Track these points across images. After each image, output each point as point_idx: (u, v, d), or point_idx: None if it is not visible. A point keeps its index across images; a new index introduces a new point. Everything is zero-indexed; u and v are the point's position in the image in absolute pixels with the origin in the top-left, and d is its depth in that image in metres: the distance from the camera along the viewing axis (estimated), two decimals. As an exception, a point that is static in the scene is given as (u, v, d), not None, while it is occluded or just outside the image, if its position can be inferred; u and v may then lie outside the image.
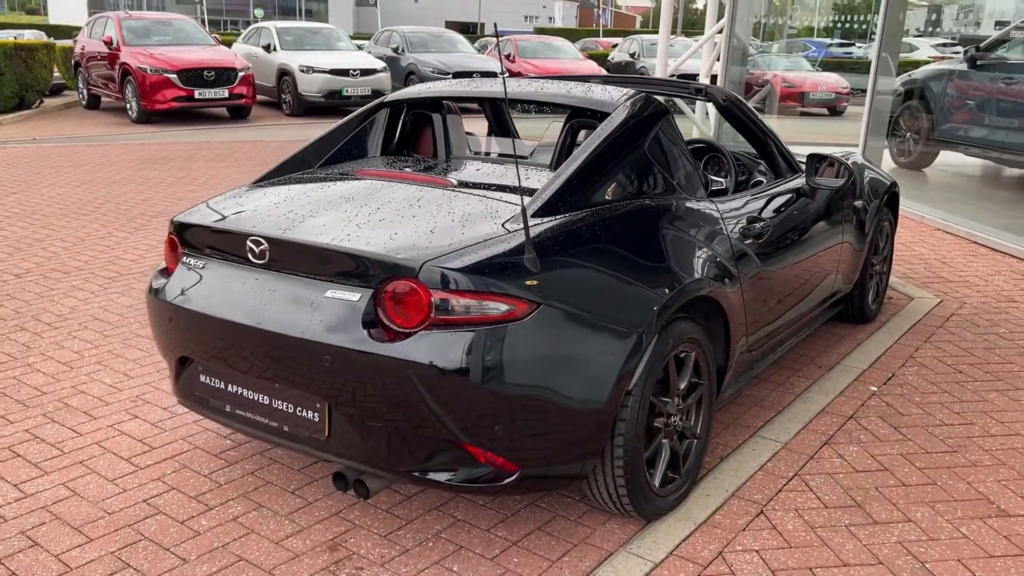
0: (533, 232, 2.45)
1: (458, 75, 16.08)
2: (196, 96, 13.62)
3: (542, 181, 2.90)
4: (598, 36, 33.43)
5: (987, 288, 5.46)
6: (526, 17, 69.18)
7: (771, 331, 3.42)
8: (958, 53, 24.40)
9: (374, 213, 2.60)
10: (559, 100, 3.18)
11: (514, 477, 2.41)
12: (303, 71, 14.95)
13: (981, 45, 8.94)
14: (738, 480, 3.03)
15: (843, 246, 4.05)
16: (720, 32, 11.11)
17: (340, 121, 3.54)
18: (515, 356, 2.30)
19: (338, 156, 3.43)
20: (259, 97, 15.17)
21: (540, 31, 40.42)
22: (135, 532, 2.73)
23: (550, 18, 67.92)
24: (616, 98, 3.06)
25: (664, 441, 2.77)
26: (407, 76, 16.64)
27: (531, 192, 2.75)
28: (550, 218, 2.58)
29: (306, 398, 2.48)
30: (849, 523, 2.78)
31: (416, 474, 2.43)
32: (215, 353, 2.64)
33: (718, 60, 11.40)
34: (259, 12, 48.15)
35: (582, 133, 3.17)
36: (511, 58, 17.91)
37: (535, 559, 2.60)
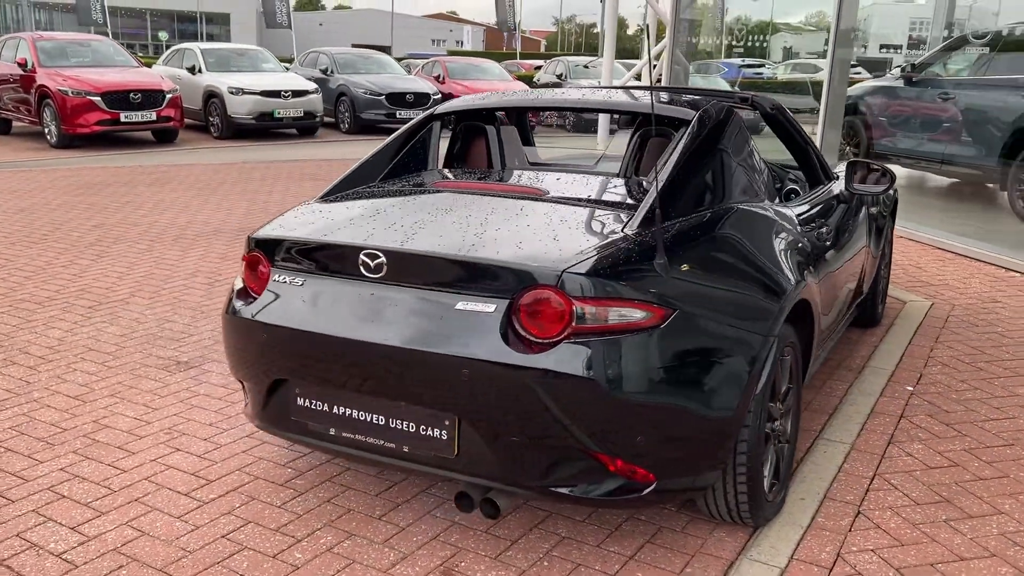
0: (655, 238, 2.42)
1: (391, 97, 15.96)
2: (122, 119, 13.06)
3: (622, 190, 2.88)
4: (513, 58, 33.78)
5: (968, 290, 5.71)
6: (434, 41, 69.33)
7: (828, 331, 3.48)
8: (859, 73, 25.64)
9: (485, 224, 2.51)
10: (632, 109, 3.17)
11: (650, 488, 2.36)
12: (232, 93, 14.54)
13: (916, 63, 9.42)
14: (823, 483, 3.05)
15: (866, 250, 4.17)
16: (657, 57, 11.39)
17: (393, 135, 3.43)
18: (656, 363, 2.26)
19: (397, 169, 3.32)
20: (185, 120, 14.67)
21: (453, 53, 40.58)
22: (227, 570, 2.55)
23: (458, 42, 68.27)
24: (691, 105, 3.07)
25: (770, 446, 2.76)
26: (338, 97, 16.41)
27: (620, 202, 2.73)
28: (665, 224, 2.55)
29: (433, 415, 2.37)
30: (947, 518, 2.83)
31: (553, 489, 2.35)
32: (321, 373, 2.50)
33: (658, 81, 11.68)
34: (164, 35, 46.70)
35: (652, 142, 3.17)
36: (441, 79, 17.88)
37: (658, 572, 2.54)
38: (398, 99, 16.02)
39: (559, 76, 19.13)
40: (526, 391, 2.23)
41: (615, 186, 2.93)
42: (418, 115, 3.50)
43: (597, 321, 2.24)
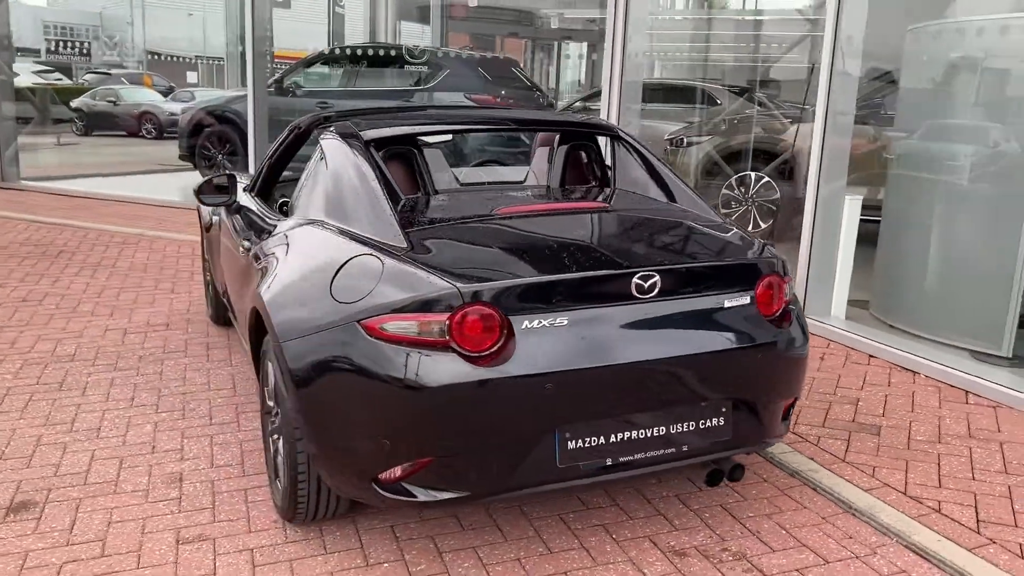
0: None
1: None
2: None
3: (655, 194, 3.39)
4: None
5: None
6: None
7: None
8: (61, 79, 24.87)
9: (662, 235, 2.84)
10: (564, 126, 3.55)
11: (791, 414, 3.06)
12: None
13: (279, 75, 10.27)
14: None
15: None
16: None
17: (352, 167, 2.98)
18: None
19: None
20: None
21: None
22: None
23: None
24: (608, 121, 3.62)
25: None
26: None
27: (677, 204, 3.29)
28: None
29: (712, 406, 2.62)
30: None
31: (780, 434, 2.87)
32: (601, 407, 2.48)
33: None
34: None
35: (574, 154, 3.58)
36: None
37: (764, 485, 3.26)
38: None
39: None
40: (784, 361, 2.73)
41: (647, 192, 3.36)
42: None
43: (786, 295, 2.86)
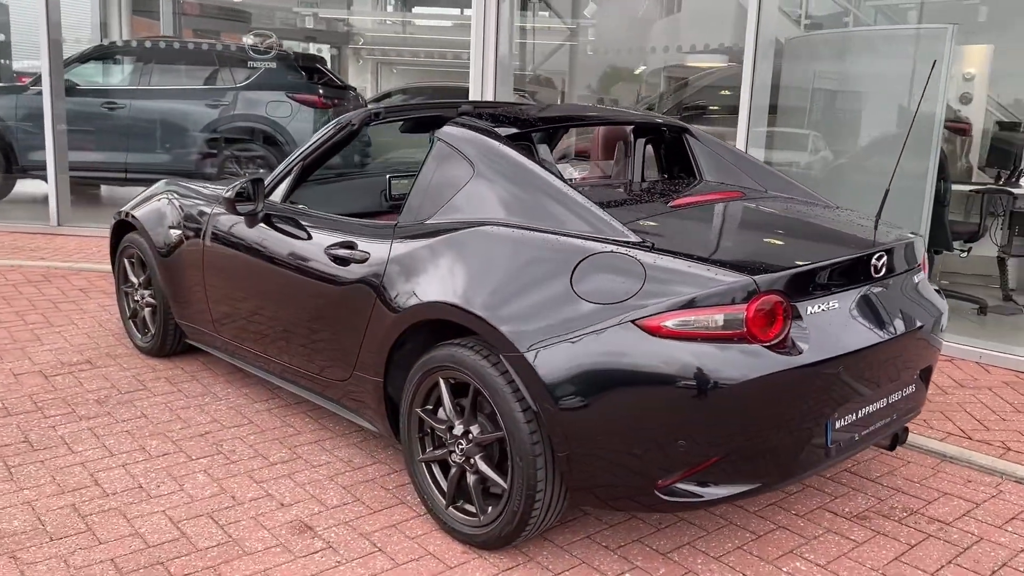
0: None
1: None
2: None
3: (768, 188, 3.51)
4: None
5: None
6: None
7: None
8: None
9: (823, 222, 2.97)
10: (639, 121, 3.53)
11: None
12: None
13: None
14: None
15: None
16: None
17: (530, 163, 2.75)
18: None
19: None
20: None
21: None
22: None
23: None
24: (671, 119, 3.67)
25: None
26: None
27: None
28: None
29: (911, 375, 2.81)
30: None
31: None
32: (862, 385, 2.57)
33: None
34: None
35: (649, 149, 3.58)
36: None
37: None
38: None
39: None
40: (944, 327, 3.00)
41: (742, 182, 3.43)
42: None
43: (924, 268, 3.15)
